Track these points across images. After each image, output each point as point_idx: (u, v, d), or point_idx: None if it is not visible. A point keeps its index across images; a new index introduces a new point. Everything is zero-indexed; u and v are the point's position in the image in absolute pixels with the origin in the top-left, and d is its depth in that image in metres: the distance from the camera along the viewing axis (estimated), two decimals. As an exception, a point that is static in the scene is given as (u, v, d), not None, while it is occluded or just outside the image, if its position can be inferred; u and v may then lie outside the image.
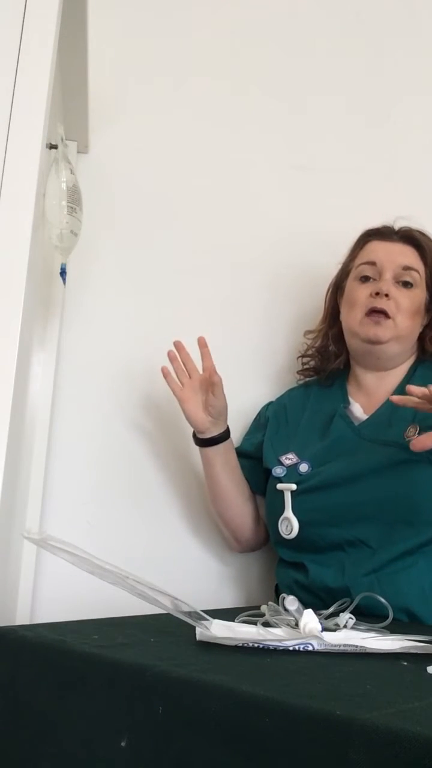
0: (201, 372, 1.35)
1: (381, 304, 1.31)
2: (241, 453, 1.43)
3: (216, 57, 1.69)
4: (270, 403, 1.48)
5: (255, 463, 1.41)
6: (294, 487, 1.27)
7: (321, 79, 1.74)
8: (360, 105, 1.75)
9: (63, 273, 1.30)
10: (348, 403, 1.37)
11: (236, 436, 1.45)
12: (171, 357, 1.35)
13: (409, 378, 1.35)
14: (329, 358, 1.44)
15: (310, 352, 1.48)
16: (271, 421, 1.42)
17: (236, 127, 1.67)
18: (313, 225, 1.65)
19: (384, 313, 1.31)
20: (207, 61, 1.69)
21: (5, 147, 0.97)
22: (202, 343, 1.33)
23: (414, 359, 1.38)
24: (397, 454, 1.23)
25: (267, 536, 1.41)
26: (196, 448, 1.38)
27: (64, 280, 1.32)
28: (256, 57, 1.71)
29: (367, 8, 1.80)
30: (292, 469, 1.32)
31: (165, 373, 1.34)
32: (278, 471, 1.32)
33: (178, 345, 1.35)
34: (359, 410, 1.35)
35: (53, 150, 1.22)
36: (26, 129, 0.98)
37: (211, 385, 1.31)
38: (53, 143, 1.22)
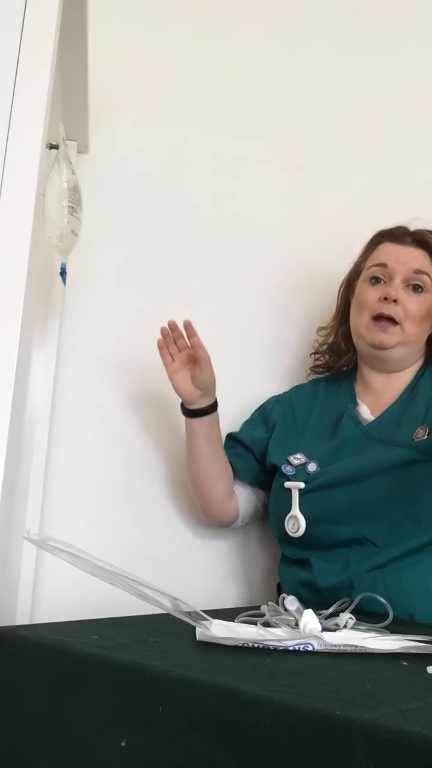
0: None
1: (388, 310, 1.31)
2: (236, 439, 1.44)
3: (215, 56, 1.69)
4: (276, 400, 1.48)
5: (248, 453, 1.42)
6: (302, 485, 1.28)
7: (322, 77, 1.74)
8: (360, 103, 1.76)
9: (63, 273, 1.30)
10: (356, 403, 1.38)
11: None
12: (163, 333, 1.33)
13: (417, 381, 1.37)
14: (339, 355, 1.45)
15: (322, 349, 1.49)
16: (279, 423, 1.42)
17: (236, 127, 1.67)
18: (314, 223, 1.66)
19: (391, 320, 1.31)
20: (207, 60, 1.69)
21: (5, 147, 0.97)
22: (187, 326, 1.31)
23: (422, 362, 1.39)
24: (406, 454, 1.25)
25: (236, 516, 1.42)
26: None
27: (64, 280, 1.32)
28: (256, 56, 1.71)
29: (368, 5, 1.80)
30: (301, 468, 1.32)
31: (160, 347, 1.32)
32: (288, 469, 1.33)
33: (171, 324, 1.32)
34: (366, 411, 1.36)
35: (54, 150, 1.22)
36: (26, 129, 0.98)
37: (197, 359, 1.30)
38: (54, 143, 1.22)
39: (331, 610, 1.00)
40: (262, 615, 0.88)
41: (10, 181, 0.97)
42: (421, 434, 1.26)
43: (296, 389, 1.50)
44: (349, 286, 1.44)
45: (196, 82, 1.67)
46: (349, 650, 0.83)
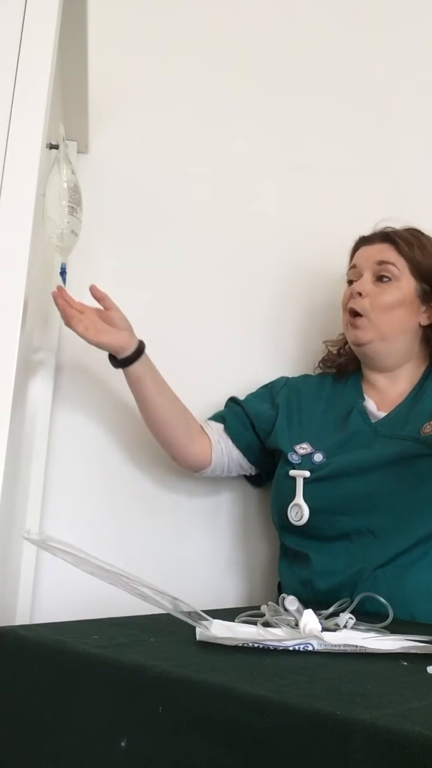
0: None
1: (353, 304, 1.36)
2: (239, 403, 1.44)
3: (215, 56, 1.69)
4: (287, 382, 1.48)
5: (247, 420, 1.42)
6: (307, 473, 1.28)
7: (320, 77, 1.74)
8: (359, 103, 1.76)
9: (63, 273, 1.30)
10: (363, 399, 1.39)
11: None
12: (57, 295, 1.25)
13: (423, 382, 1.38)
14: (348, 365, 1.47)
15: (330, 357, 1.51)
16: (282, 406, 1.42)
17: (236, 127, 1.67)
18: (313, 223, 1.66)
19: (357, 313, 1.35)
20: (206, 60, 1.69)
21: (5, 147, 0.97)
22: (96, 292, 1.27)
23: (427, 363, 1.40)
24: (411, 448, 1.26)
25: (208, 462, 1.39)
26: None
27: (64, 280, 1.32)
28: (256, 56, 1.71)
29: (365, 4, 1.80)
30: (306, 458, 1.33)
31: (68, 316, 1.24)
32: (294, 458, 1.34)
33: (59, 287, 1.26)
34: (373, 406, 1.38)
35: (54, 150, 1.22)
36: (26, 129, 0.98)
37: (99, 301, 1.27)
38: (54, 143, 1.22)
39: (331, 610, 1.00)
40: (262, 615, 0.88)
41: (10, 181, 0.97)
42: (428, 429, 1.27)
43: (305, 377, 1.51)
44: None
45: (196, 82, 1.67)
46: (349, 650, 0.83)
